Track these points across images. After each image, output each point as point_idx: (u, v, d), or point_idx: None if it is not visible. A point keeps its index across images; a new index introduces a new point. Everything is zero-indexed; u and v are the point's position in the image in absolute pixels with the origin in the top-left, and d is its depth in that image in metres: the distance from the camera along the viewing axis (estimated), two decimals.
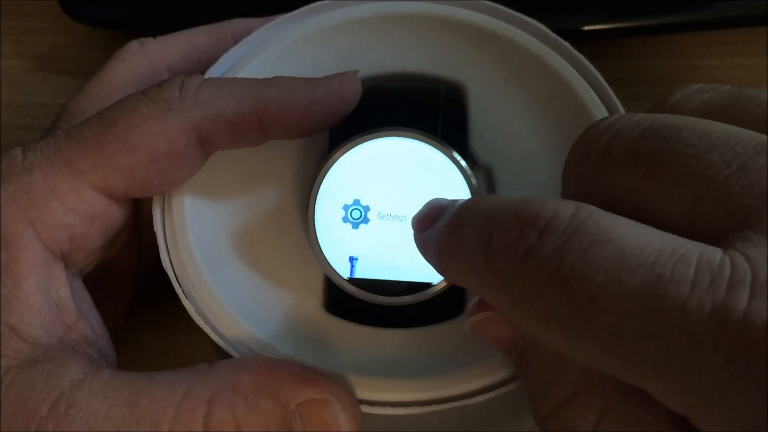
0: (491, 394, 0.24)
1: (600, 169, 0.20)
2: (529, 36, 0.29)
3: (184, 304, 0.26)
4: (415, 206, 0.25)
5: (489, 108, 0.29)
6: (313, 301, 0.26)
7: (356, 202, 0.26)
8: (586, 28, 0.37)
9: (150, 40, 0.31)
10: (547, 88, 0.28)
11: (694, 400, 0.16)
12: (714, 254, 0.16)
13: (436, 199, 0.23)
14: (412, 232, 0.25)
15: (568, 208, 0.18)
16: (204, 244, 0.27)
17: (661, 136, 0.19)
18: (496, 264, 0.18)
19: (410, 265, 0.25)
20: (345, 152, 0.26)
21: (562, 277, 0.17)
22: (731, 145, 0.18)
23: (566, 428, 0.20)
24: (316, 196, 0.26)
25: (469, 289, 0.21)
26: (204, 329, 0.26)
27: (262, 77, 0.26)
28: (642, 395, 0.18)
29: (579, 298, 0.17)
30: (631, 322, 0.16)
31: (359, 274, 0.26)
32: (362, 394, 0.24)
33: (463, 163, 0.26)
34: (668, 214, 0.18)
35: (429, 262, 0.22)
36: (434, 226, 0.22)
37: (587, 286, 0.17)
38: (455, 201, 0.22)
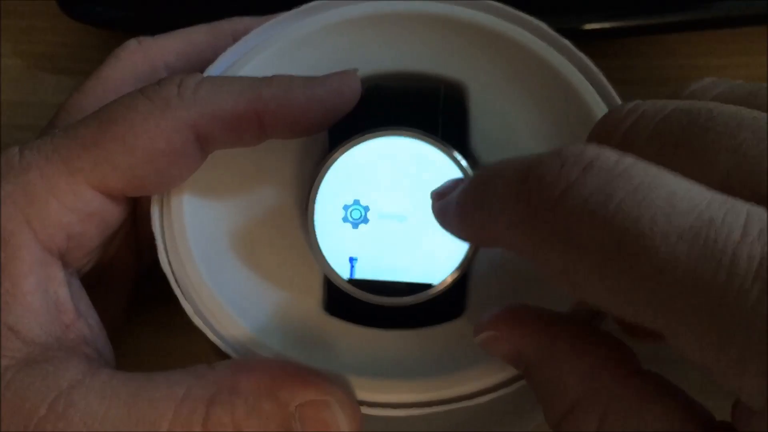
0: (492, 395, 0.24)
1: (624, 149, 0.19)
2: (530, 35, 0.29)
3: (183, 305, 0.26)
4: (415, 206, 0.25)
5: (489, 108, 0.29)
6: (312, 302, 0.26)
7: (356, 202, 0.26)
8: (587, 27, 0.37)
9: (148, 38, 0.31)
10: (548, 87, 0.28)
11: (729, 350, 0.16)
12: (761, 210, 0.16)
13: (456, 177, 0.23)
14: (412, 232, 0.25)
15: (613, 152, 0.18)
16: (203, 244, 0.26)
17: (690, 116, 0.19)
18: (531, 198, 0.18)
19: (410, 265, 0.25)
20: (345, 152, 0.26)
21: (609, 212, 0.17)
22: (762, 125, 0.18)
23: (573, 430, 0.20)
24: (315, 196, 0.26)
25: (491, 241, 0.21)
26: (203, 330, 0.25)
27: (261, 76, 0.26)
28: (640, 399, 0.19)
29: (626, 235, 0.17)
30: (679, 262, 0.16)
31: (359, 275, 0.25)
32: (362, 395, 0.24)
33: (463, 163, 0.25)
34: None
35: (446, 224, 0.22)
36: (456, 189, 0.22)
37: (636, 223, 0.16)
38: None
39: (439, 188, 0.23)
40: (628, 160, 0.18)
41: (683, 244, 0.16)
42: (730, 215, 0.16)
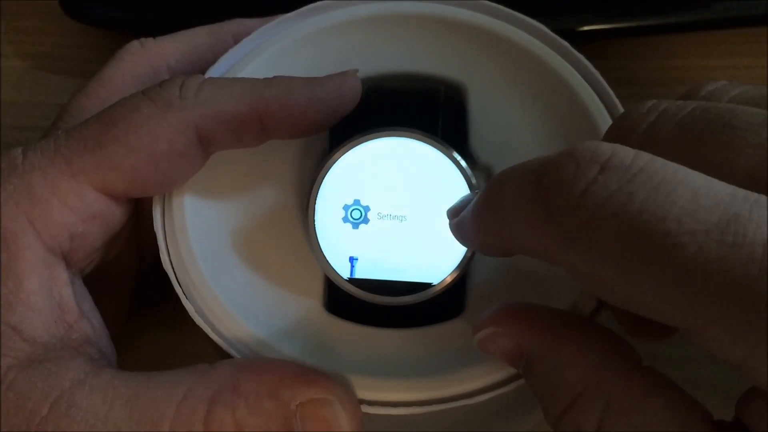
0: (491, 394, 0.24)
1: (644, 146, 0.19)
2: (529, 36, 0.29)
3: (184, 304, 0.26)
4: (415, 206, 0.26)
5: (489, 108, 0.29)
6: (313, 301, 0.26)
7: (356, 202, 0.26)
8: (586, 28, 0.37)
9: (150, 40, 0.31)
10: (547, 88, 0.28)
11: (761, 341, 0.16)
12: None
13: (471, 193, 0.23)
14: (412, 231, 0.25)
15: (628, 150, 0.18)
16: (204, 244, 0.27)
17: (712, 114, 0.19)
18: (549, 202, 0.18)
19: (410, 265, 0.25)
20: (345, 152, 0.26)
21: (632, 212, 0.17)
22: None
23: (573, 427, 0.20)
24: (316, 196, 0.26)
25: (509, 245, 0.20)
26: (204, 329, 0.26)
27: (262, 77, 0.26)
28: (642, 392, 0.19)
29: (651, 234, 0.16)
30: (707, 258, 0.16)
31: (359, 275, 0.26)
32: (362, 394, 0.24)
33: (463, 163, 0.26)
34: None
35: (465, 238, 0.23)
36: (471, 202, 0.22)
37: (662, 222, 0.16)
38: None
39: (453, 205, 0.23)
40: (645, 157, 0.17)
41: (711, 241, 0.16)
42: (756, 209, 0.16)
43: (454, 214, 0.23)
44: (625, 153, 0.18)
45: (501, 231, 0.20)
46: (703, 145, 0.19)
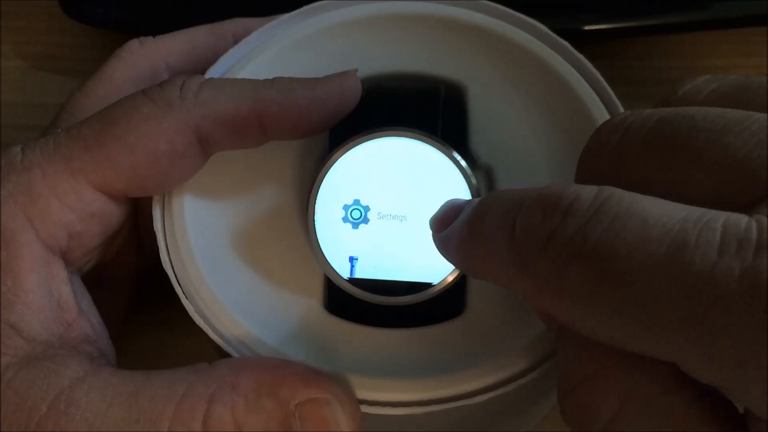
0: (491, 394, 0.24)
1: (616, 165, 0.20)
2: (530, 36, 0.29)
3: (184, 304, 0.26)
4: (415, 206, 0.26)
5: (489, 108, 0.29)
6: (313, 301, 0.26)
7: (356, 202, 0.26)
8: (587, 28, 0.37)
9: (149, 39, 0.31)
10: (547, 88, 0.28)
11: (728, 366, 0.16)
12: (739, 219, 0.16)
13: (453, 200, 0.23)
14: (412, 231, 0.25)
15: (590, 190, 0.18)
16: (204, 244, 0.27)
17: (673, 126, 0.19)
18: (521, 248, 0.19)
19: (410, 265, 0.25)
20: (345, 152, 0.26)
21: (587, 252, 0.17)
22: (746, 125, 0.18)
23: (583, 405, 0.19)
24: (316, 196, 0.26)
25: (492, 278, 0.21)
26: (204, 329, 0.26)
27: (262, 77, 0.26)
28: (671, 379, 0.18)
29: (605, 272, 0.17)
30: (659, 291, 0.16)
31: (359, 274, 0.26)
32: (362, 393, 0.24)
33: (463, 163, 0.26)
34: (689, 197, 0.18)
35: (449, 258, 0.22)
36: (454, 223, 0.22)
37: (613, 259, 0.17)
38: (473, 200, 0.22)
39: (437, 214, 0.23)
40: (604, 194, 0.18)
41: (661, 275, 0.16)
42: (705, 233, 0.16)
43: (438, 227, 0.23)
44: (586, 195, 0.18)
45: (484, 265, 0.21)
46: (667, 162, 0.19)
